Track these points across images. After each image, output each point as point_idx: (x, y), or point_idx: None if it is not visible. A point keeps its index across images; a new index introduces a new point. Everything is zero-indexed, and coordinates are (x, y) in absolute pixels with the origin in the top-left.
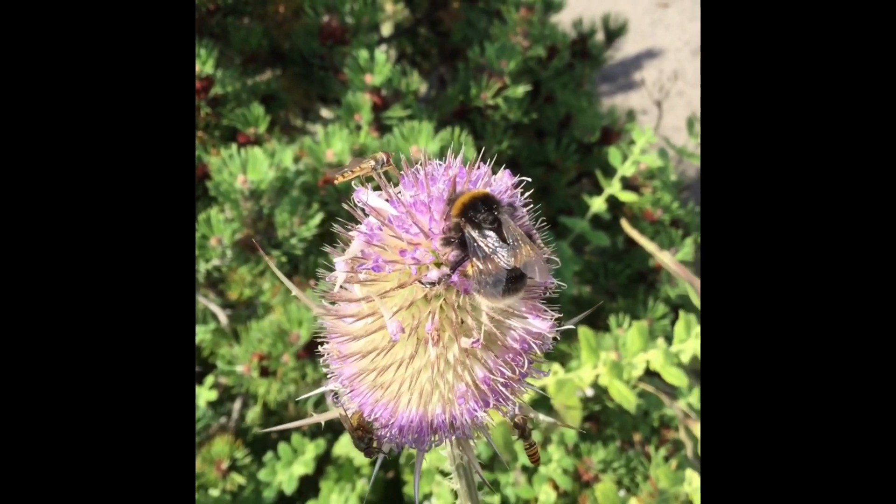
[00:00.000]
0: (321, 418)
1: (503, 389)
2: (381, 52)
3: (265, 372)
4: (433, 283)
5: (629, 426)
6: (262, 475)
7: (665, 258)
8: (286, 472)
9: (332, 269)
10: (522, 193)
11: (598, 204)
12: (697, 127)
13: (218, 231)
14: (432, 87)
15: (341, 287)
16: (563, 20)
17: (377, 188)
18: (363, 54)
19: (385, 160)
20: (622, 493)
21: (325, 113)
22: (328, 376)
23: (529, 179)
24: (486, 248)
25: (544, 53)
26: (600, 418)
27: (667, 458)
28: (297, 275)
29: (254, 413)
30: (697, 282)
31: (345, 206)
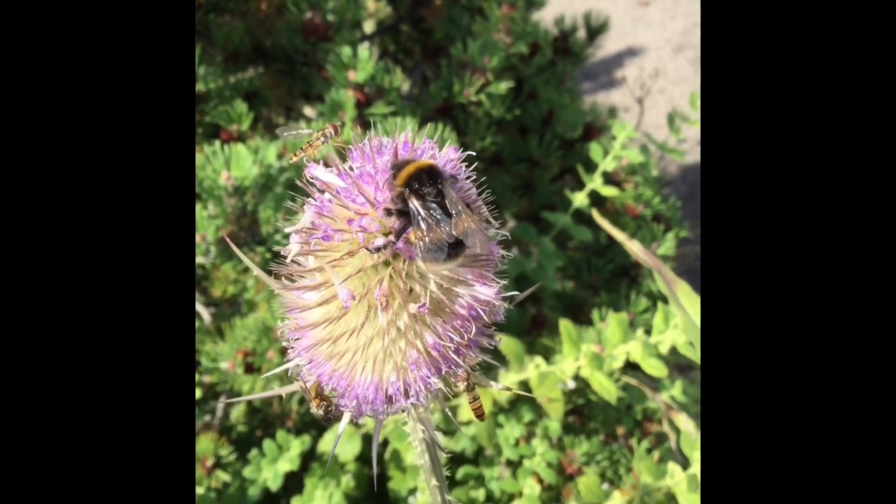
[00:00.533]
0: (283, 391)
1: (454, 356)
2: (364, 49)
3: (250, 368)
4: (379, 250)
5: (612, 419)
6: (247, 472)
7: (634, 247)
8: (271, 469)
9: (279, 264)
10: (468, 167)
11: (580, 199)
12: (678, 123)
13: (202, 228)
14: (415, 84)
15: (295, 262)
16: (545, 18)
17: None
18: (346, 51)
19: (333, 132)
20: (605, 486)
21: (308, 111)
22: (289, 350)
23: (474, 153)
24: (428, 220)
25: (527, 50)
26: (584, 412)
27: (649, 451)
28: None
29: (237, 411)
30: (666, 269)
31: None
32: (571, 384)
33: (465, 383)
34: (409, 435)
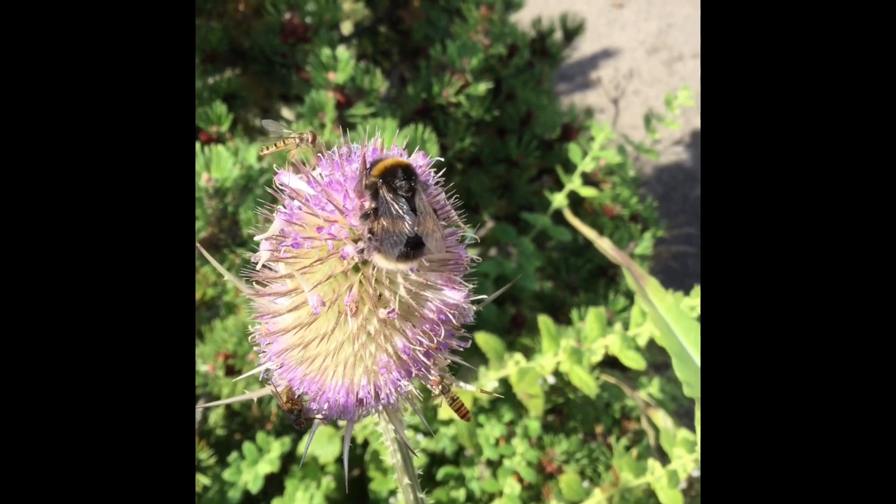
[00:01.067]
0: (255, 395)
1: (424, 359)
2: (343, 51)
3: (231, 371)
4: (349, 257)
5: (591, 418)
6: (227, 475)
7: (604, 244)
8: (251, 472)
9: (251, 270)
10: (436, 173)
11: (559, 200)
12: (654, 123)
13: None
14: (392, 85)
15: (267, 267)
16: (522, 19)
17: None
18: (326, 52)
19: (310, 139)
20: (585, 483)
21: (286, 112)
22: (261, 356)
23: (442, 159)
24: (394, 211)
25: (505, 52)
26: (563, 410)
27: (628, 448)
28: None
29: (216, 415)
30: (635, 266)
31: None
32: (551, 380)
33: (440, 387)
34: (382, 435)
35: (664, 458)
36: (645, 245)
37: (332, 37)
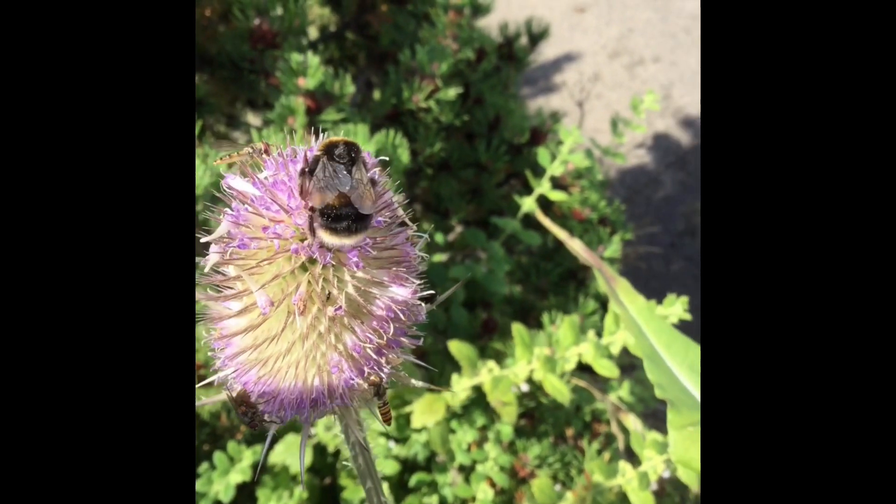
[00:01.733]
0: (210, 400)
1: (376, 357)
2: (314, 56)
3: (200, 381)
4: (296, 255)
5: (562, 422)
6: (198, 485)
7: (576, 246)
8: (223, 481)
9: (203, 276)
10: (383, 171)
11: (528, 204)
12: (621, 127)
13: None
14: (359, 91)
15: (217, 270)
16: (488, 24)
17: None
18: (296, 57)
19: (263, 149)
20: (558, 487)
21: (253, 119)
22: (215, 361)
23: (387, 158)
24: (329, 174)
25: (473, 56)
26: (535, 415)
27: (599, 452)
28: None
29: None
30: (606, 267)
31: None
32: (525, 387)
33: (376, 388)
34: (344, 439)
35: (634, 460)
36: (614, 248)
37: (301, 42)
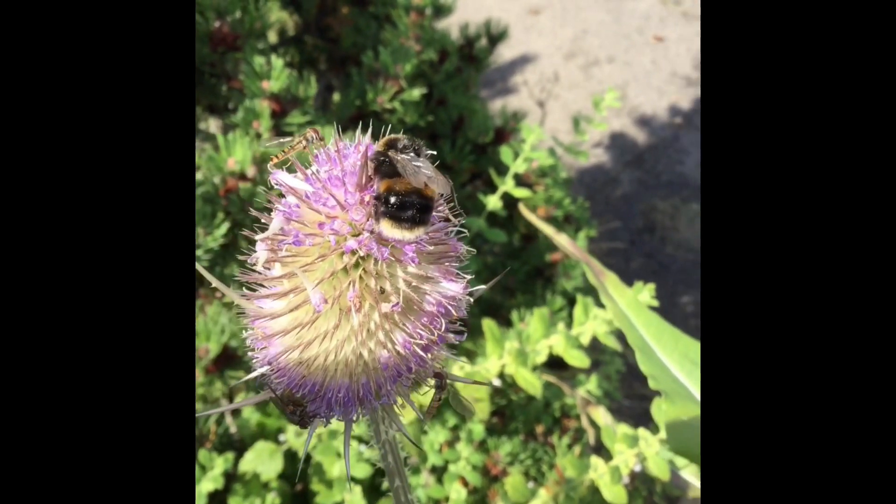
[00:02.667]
0: (252, 401)
1: (422, 353)
2: (277, 58)
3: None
4: (352, 251)
5: (532, 418)
6: None
7: (562, 240)
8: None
9: (243, 273)
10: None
11: (493, 202)
12: (584, 125)
13: None
14: (319, 94)
15: (254, 270)
16: (448, 25)
17: (293, 169)
18: (259, 60)
19: (315, 137)
20: (531, 484)
21: (214, 124)
22: (254, 361)
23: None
24: (402, 164)
25: (436, 57)
26: (505, 412)
27: (570, 447)
28: (202, 287)
29: None
30: (593, 261)
31: (252, 212)
32: (496, 382)
33: (440, 379)
34: (372, 438)
35: (605, 454)
36: (580, 245)
37: (264, 44)
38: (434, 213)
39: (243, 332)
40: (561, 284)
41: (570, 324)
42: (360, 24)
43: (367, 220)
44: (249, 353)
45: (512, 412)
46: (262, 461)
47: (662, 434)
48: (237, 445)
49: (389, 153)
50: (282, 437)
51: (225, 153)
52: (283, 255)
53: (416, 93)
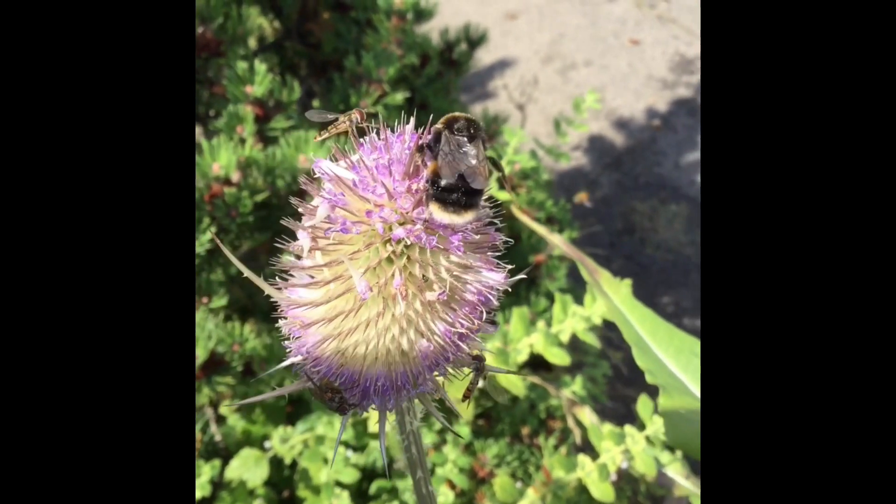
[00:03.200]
0: (286, 390)
1: (460, 343)
2: (260, 63)
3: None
4: (400, 240)
5: (518, 420)
6: None
7: (556, 240)
8: None
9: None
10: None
11: None
12: (565, 127)
13: None
14: (300, 100)
15: (296, 258)
16: (428, 30)
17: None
18: (242, 65)
19: (359, 119)
20: (518, 485)
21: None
22: (288, 351)
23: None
24: (454, 148)
25: (417, 61)
26: (491, 415)
27: (556, 447)
28: None
29: None
30: (587, 260)
31: (292, 202)
32: (481, 383)
33: (479, 362)
34: (398, 428)
35: (590, 454)
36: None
37: (247, 50)
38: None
39: (278, 321)
40: (545, 286)
41: (552, 323)
42: (341, 29)
43: (415, 208)
44: (284, 343)
45: (498, 414)
46: (248, 468)
47: (648, 431)
48: (222, 453)
49: (444, 133)
50: (267, 444)
51: (209, 158)
52: (327, 243)
53: (400, 97)
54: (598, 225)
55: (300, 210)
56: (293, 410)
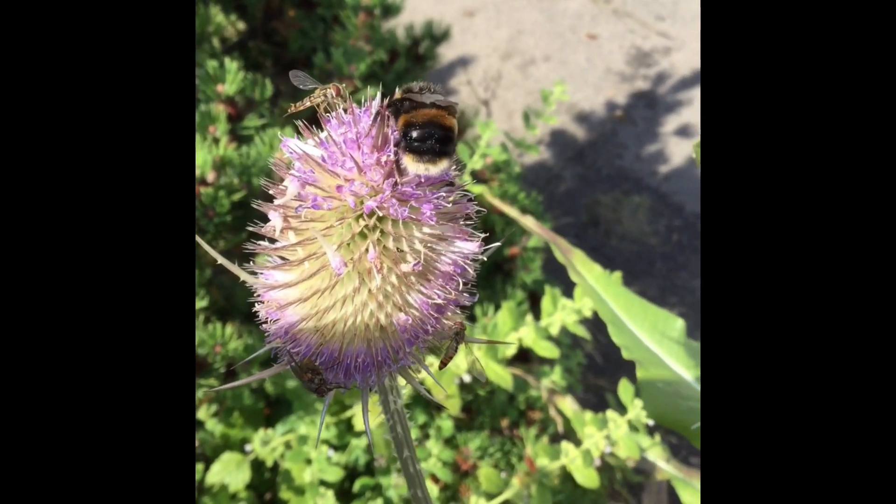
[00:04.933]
0: (268, 373)
1: (438, 315)
2: (231, 61)
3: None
4: (372, 212)
5: (498, 412)
6: None
7: (528, 222)
8: None
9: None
10: None
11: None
12: (534, 120)
13: None
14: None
15: (264, 239)
16: (393, 26)
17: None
18: (212, 63)
19: (335, 94)
20: (503, 475)
21: None
22: (266, 335)
23: None
24: (425, 97)
25: (386, 58)
26: (472, 408)
27: (537, 437)
28: None
29: None
30: (560, 240)
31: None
32: (467, 378)
33: (460, 330)
34: (382, 407)
35: (573, 442)
36: (536, 238)
37: (215, 49)
38: (452, 152)
39: (257, 321)
40: (520, 278)
41: (532, 315)
42: (306, 27)
43: (385, 179)
44: (262, 326)
45: (478, 407)
46: (230, 472)
47: (630, 415)
48: (201, 458)
49: (411, 94)
50: (248, 447)
51: None
52: (299, 221)
53: (372, 92)
54: (568, 217)
55: (271, 192)
56: (271, 413)
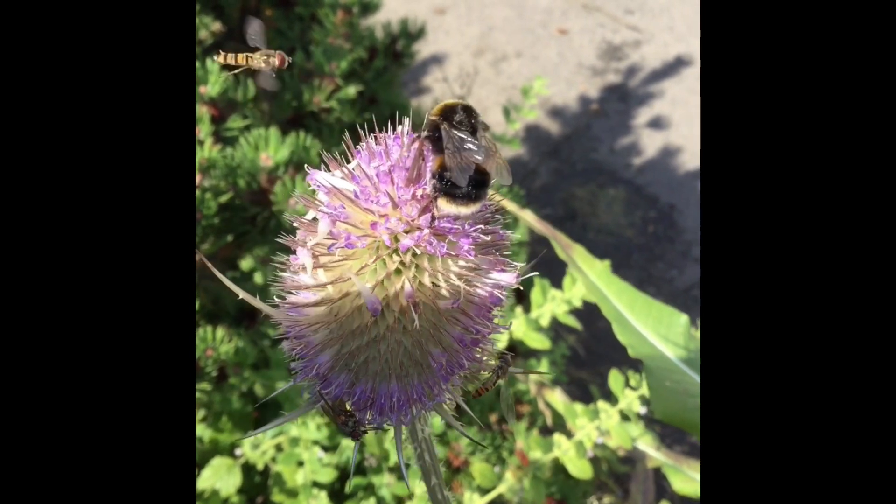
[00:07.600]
0: (297, 413)
1: (474, 347)
2: (213, 62)
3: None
4: (408, 249)
5: (486, 407)
6: None
7: (527, 216)
8: None
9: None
10: None
11: None
12: (514, 114)
13: None
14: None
15: (293, 278)
16: (368, 24)
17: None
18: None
19: (278, 63)
20: (495, 469)
21: None
22: (294, 372)
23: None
24: (457, 142)
25: (366, 55)
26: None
27: (527, 430)
28: None
29: None
30: (560, 236)
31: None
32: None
33: (505, 361)
34: (410, 437)
35: (562, 434)
36: (521, 232)
37: (197, 50)
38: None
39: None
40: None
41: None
42: (283, 27)
43: (421, 215)
44: (291, 364)
45: (468, 402)
46: (221, 477)
47: (621, 405)
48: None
49: (443, 127)
50: (238, 452)
51: None
52: (331, 259)
53: (353, 90)
54: (549, 210)
55: (295, 225)
56: (260, 416)
